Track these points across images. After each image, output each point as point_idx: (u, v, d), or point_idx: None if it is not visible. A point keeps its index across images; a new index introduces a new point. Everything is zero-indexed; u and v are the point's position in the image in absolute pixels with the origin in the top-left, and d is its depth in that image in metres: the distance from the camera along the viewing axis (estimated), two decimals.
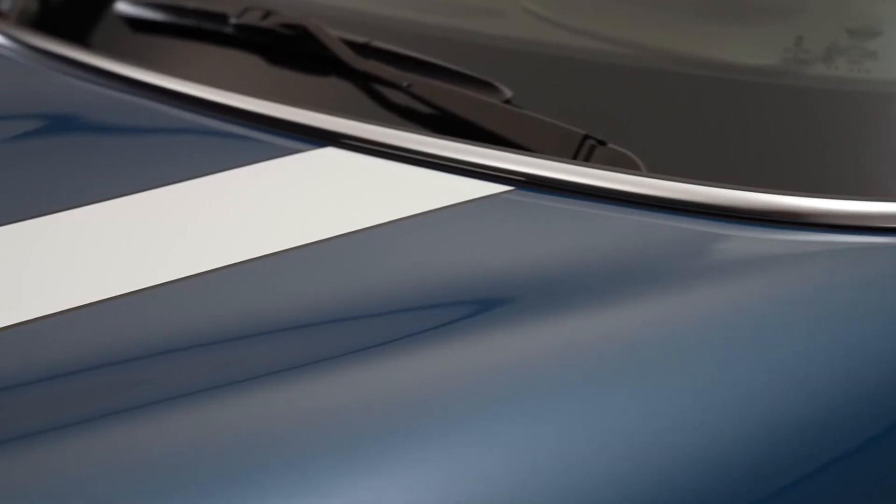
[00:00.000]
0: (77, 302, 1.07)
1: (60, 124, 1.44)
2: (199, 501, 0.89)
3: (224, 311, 1.08)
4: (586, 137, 1.25)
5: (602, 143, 1.25)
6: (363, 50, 1.38)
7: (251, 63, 1.45)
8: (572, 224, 1.19)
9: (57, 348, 1.04)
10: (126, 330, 1.05)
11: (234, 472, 0.91)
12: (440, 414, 0.96)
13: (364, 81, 1.37)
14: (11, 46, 1.53)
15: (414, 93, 1.33)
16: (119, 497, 0.89)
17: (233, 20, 1.46)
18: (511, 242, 1.17)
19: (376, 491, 0.92)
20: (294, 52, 1.42)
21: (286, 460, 0.92)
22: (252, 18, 1.45)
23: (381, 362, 1.01)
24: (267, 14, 1.44)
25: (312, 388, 0.98)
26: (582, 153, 1.25)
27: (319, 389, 0.98)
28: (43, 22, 1.59)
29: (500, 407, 0.97)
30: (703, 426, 0.99)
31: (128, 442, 0.93)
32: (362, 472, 0.92)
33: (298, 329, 1.07)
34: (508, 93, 1.32)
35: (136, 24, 1.55)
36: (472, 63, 1.35)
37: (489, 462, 0.94)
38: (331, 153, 1.28)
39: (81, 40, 1.53)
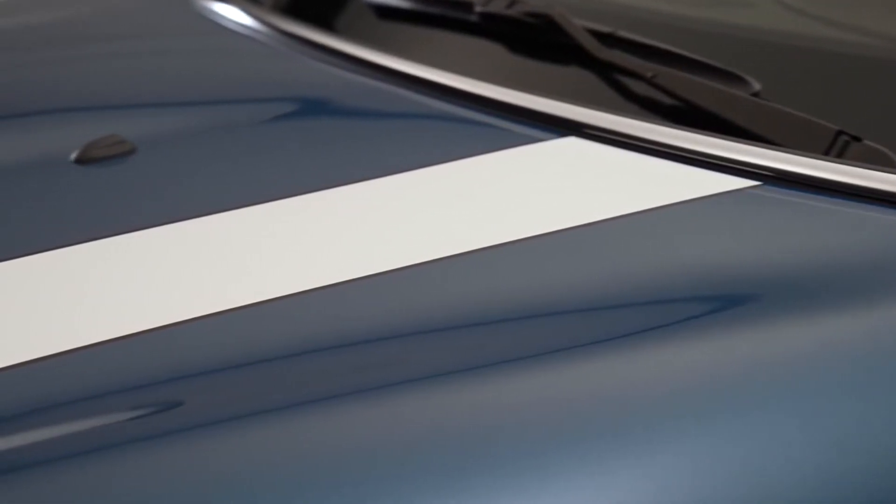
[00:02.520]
0: (333, 279, 1.06)
1: (309, 109, 1.43)
2: (436, 483, 0.88)
3: (461, 298, 1.06)
4: (840, 133, 1.19)
5: (857, 139, 1.19)
6: (607, 40, 1.35)
7: (495, 51, 1.43)
8: (823, 222, 1.13)
9: (314, 323, 1.03)
10: (371, 310, 1.04)
11: (469, 458, 0.89)
12: (682, 411, 0.93)
13: (607, 71, 1.34)
14: (265, 31, 1.53)
15: (658, 84, 1.29)
16: (364, 473, 0.88)
17: (478, 8, 1.44)
18: (757, 239, 1.11)
19: (608, 485, 0.89)
20: (538, 41, 1.40)
21: (518, 450, 0.90)
22: (497, 7, 1.43)
23: (617, 356, 0.98)
24: (512, 3, 1.42)
25: (546, 378, 0.96)
26: (835, 149, 1.19)
27: (554, 380, 0.96)
28: (295, 8, 1.59)
29: (744, 405, 0.93)
30: None
31: (363, 423, 0.92)
32: (594, 466, 0.89)
33: (536, 318, 1.04)
34: (757, 85, 1.27)
35: (382, 10, 1.53)
36: (720, 54, 1.30)
37: (734, 461, 0.90)
38: (572, 143, 1.25)
39: (330, 26, 1.53)
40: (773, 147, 1.19)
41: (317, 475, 0.88)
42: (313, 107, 1.43)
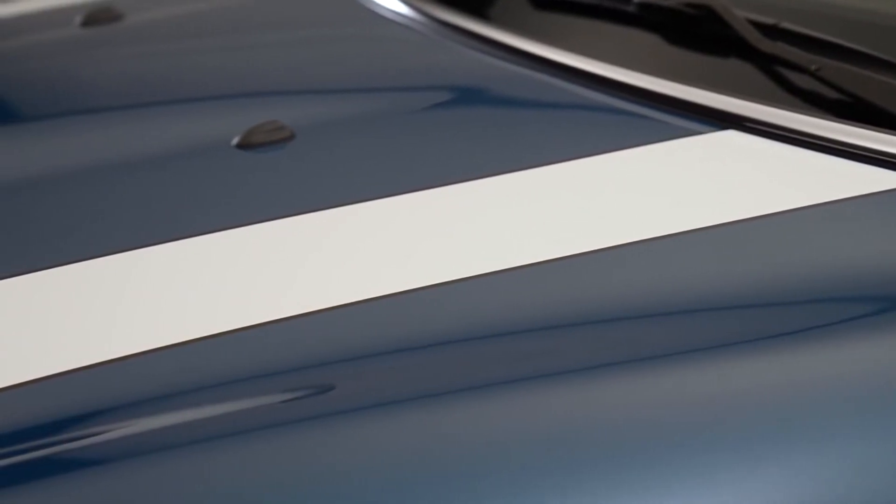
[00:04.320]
0: (487, 269, 1.05)
1: (464, 98, 1.40)
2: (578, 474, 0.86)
3: (614, 291, 1.03)
4: None
5: None
6: (770, 31, 1.31)
7: (652, 41, 1.40)
8: None
9: (468, 312, 1.02)
10: (523, 300, 1.02)
11: (616, 449, 0.87)
12: (835, 412, 0.90)
13: (769, 63, 1.29)
14: (421, 20, 1.51)
15: (822, 77, 1.24)
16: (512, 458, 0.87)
17: None
18: None
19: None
20: (697, 32, 1.36)
21: (686, 447, 0.87)
22: None
23: (775, 355, 0.94)
24: None
25: (697, 377, 0.93)
26: None
27: (706, 378, 0.93)
28: None
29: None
30: None
31: (514, 413, 0.91)
32: (754, 466, 0.86)
33: (693, 313, 1.00)
34: None
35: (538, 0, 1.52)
36: (887, 46, 1.25)
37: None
38: (732, 136, 1.20)
39: (486, 15, 1.51)
40: None
41: (466, 463, 0.87)
42: (468, 96, 1.40)
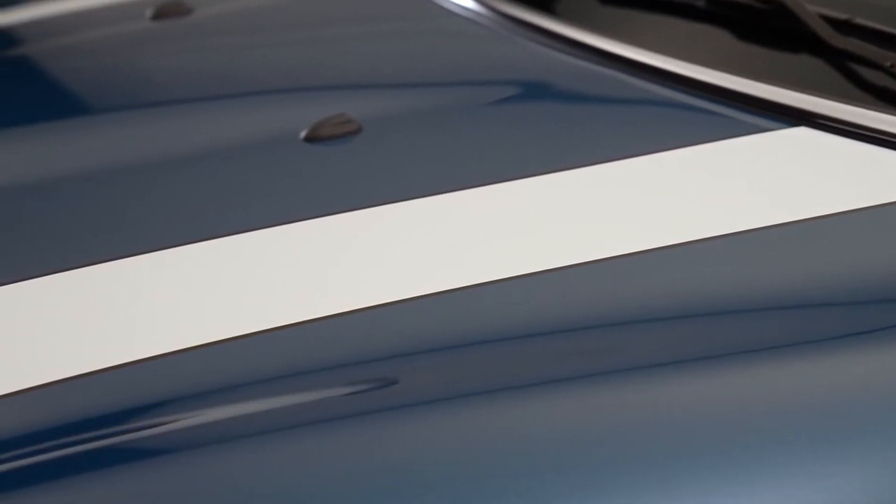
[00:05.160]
0: (553, 264, 1.04)
1: (530, 93, 1.38)
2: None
3: (684, 288, 1.01)
4: None
5: None
6: (843, 27, 1.28)
7: (721, 37, 1.37)
8: None
9: (534, 306, 1.01)
10: (591, 296, 1.01)
11: (680, 447, 0.86)
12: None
13: (842, 59, 1.26)
14: (487, 14, 1.50)
15: None
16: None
17: None
18: None
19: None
20: (768, 28, 1.33)
21: (739, 447, 0.86)
22: None
23: (857, 355, 0.93)
24: None
25: (776, 373, 0.91)
26: None
27: (788, 375, 0.91)
28: None
29: None
30: None
31: (580, 409, 0.90)
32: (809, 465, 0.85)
33: (762, 311, 0.99)
34: None
35: None
36: None
37: None
38: (804, 133, 1.17)
39: (552, 9, 1.49)
40: None
41: (531, 457, 0.86)
42: (535, 92, 1.38)
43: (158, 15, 1.61)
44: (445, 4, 1.53)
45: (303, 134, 1.23)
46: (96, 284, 1.06)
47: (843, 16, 1.28)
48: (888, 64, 1.20)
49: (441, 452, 0.87)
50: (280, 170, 1.21)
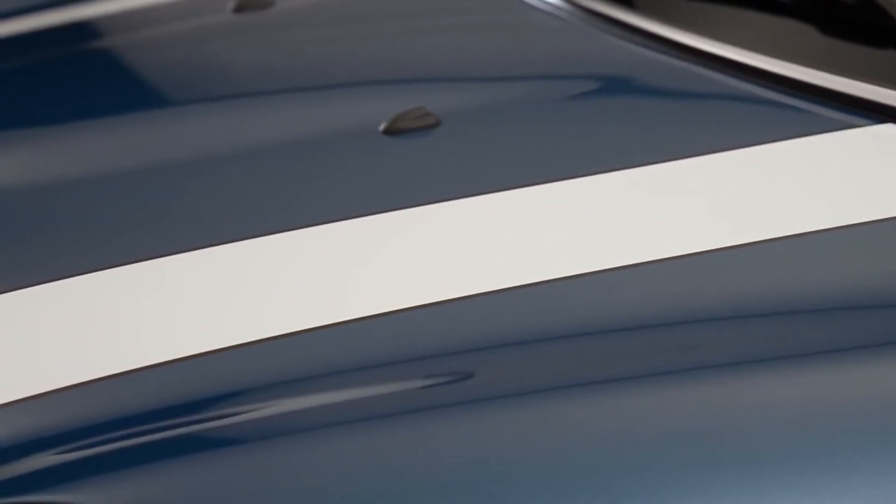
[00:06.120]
0: (626, 261, 1.03)
1: (609, 87, 1.37)
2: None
3: (765, 286, 1.00)
4: None
5: None
6: None
7: (806, 31, 1.34)
8: None
9: (611, 303, 1.00)
10: (662, 294, 1.00)
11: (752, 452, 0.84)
12: None
13: None
14: (566, 8, 1.48)
15: None
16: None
17: None
18: None
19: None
20: (854, 22, 1.30)
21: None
22: None
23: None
24: None
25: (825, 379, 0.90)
26: None
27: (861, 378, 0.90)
28: None
29: None
30: None
31: (649, 407, 0.89)
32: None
33: (843, 311, 0.97)
34: None
35: None
36: None
37: None
38: (891, 130, 1.14)
39: (631, 3, 1.46)
40: None
41: (596, 455, 0.86)
42: (614, 85, 1.37)
43: (240, 8, 1.61)
44: None
45: (382, 126, 1.23)
46: (208, 267, 1.07)
47: None
48: None
49: (518, 446, 0.86)
50: (358, 162, 1.21)
